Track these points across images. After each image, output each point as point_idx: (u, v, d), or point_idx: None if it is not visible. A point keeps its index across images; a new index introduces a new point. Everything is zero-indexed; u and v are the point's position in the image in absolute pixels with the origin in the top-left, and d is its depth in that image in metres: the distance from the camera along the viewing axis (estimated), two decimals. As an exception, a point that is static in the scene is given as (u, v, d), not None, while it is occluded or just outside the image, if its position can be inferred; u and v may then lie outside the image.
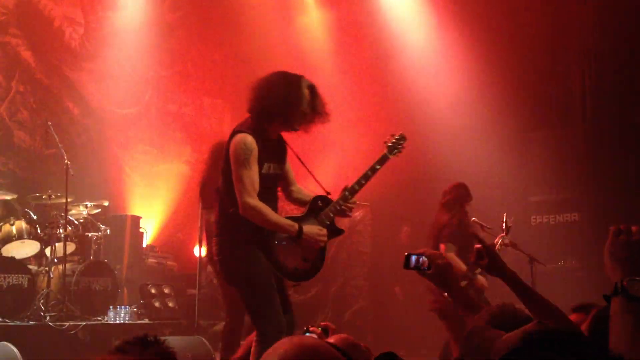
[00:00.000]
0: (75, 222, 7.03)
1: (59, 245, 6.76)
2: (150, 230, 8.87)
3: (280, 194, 3.96)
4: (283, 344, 1.41)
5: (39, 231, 6.76)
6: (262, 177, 3.64)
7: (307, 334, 2.67)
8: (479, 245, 2.44)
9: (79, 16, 9.12)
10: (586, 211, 8.15)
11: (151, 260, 8.21)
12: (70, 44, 8.89)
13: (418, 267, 2.43)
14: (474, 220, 6.34)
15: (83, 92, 8.91)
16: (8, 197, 7.02)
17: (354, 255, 8.72)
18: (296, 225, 3.67)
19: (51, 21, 8.78)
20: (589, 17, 8.37)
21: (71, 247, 6.93)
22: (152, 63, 9.65)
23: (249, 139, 3.61)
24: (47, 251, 6.78)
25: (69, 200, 6.78)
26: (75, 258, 7.05)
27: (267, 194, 3.69)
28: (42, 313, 6.25)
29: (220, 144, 4.87)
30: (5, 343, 5.36)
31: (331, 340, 2.20)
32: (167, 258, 8.56)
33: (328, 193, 3.92)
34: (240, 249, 3.66)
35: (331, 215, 3.83)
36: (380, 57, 10.06)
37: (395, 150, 4.05)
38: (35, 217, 6.82)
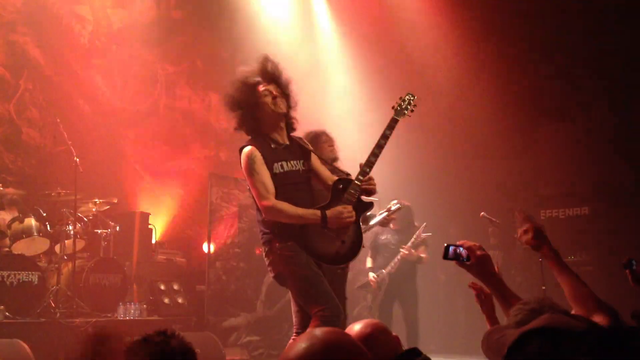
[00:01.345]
0: (85, 219, 7.06)
1: (68, 242, 6.79)
2: (159, 226, 8.89)
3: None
4: (305, 339, 1.37)
5: (48, 228, 6.79)
6: (278, 177, 3.85)
7: None
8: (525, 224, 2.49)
9: (88, 13, 9.13)
10: (596, 205, 8.11)
11: (160, 256, 8.23)
12: (79, 41, 8.91)
13: (457, 258, 2.48)
14: (482, 215, 6.31)
15: (92, 89, 8.93)
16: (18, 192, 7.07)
17: (363, 249, 8.70)
18: (318, 212, 3.79)
19: (60, 19, 8.79)
20: (595, 10, 8.32)
21: (81, 244, 6.97)
22: (160, 60, 9.66)
23: (249, 149, 3.86)
24: (57, 248, 6.81)
25: (78, 197, 6.81)
26: (85, 255, 7.08)
27: (292, 190, 3.86)
28: (52, 310, 6.28)
29: (312, 134, 5.00)
30: (17, 340, 5.39)
31: (361, 324, 2.19)
32: (176, 254, 8.58)
33: (348, 174, 4.03)
34: (278, 250, 3.82)
35: (353, 192, 3.89)
36: (389, 52, 10.04)
37: (405, 112, 4.09)
38: (44, 215, 6.84)
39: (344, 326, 3.70)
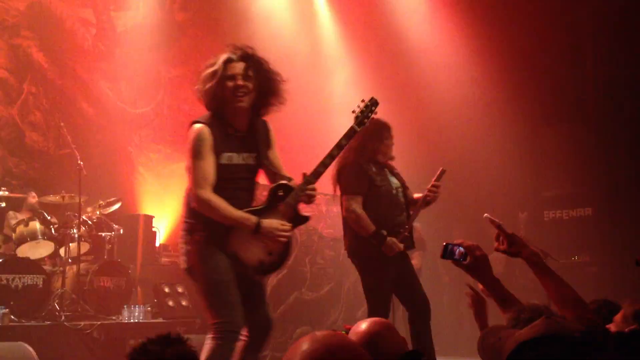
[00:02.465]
0: (89, 222, 7.08)
1: (73, 245, 6.81)
2: (162, 229, 8.90)
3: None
4: (306, 342, 1.35)
5: (53, 231, 6.81)
6: (222, 168, 3.51)
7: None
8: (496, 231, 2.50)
9: (91, 16, 9.16)
10: (599, 206, 8.10)
11: (164, 259, 8.24)
12: (83, 45, 8.94)
13: (453, 257, 2.45)
14: (485, 216, 6.32)
15: (96, 92, 8.95)
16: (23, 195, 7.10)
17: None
18: (253, 219, 3.46)
19: (63, 22, 8.82)
20: (602, 12, 8.31)
21: (85, 247, 6.99)
22: (164, 62, 9.68)
23: (203, 129, 3.50)
24: (62, 251, 6.83)
25: (82, 200, 6.83)
26: (89, 258, 7.10)
27: (233, 186, 3.55)
28: (57, 313, 6.29)
29: (379, 122, 4.63)
30: (22, 343, 5.40)
31: (368, 323, 2.19)
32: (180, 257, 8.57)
33: (290, 179, 3.64)
34: (198, 244, 3.52)
35: (293, 203, 3.57)
36: (391, 54, 10.04)
37: (366, 120, 3.79)
38: (49, 218, 6.87)
39: (264, 337, 3.61)
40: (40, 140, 8.33)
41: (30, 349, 5.31)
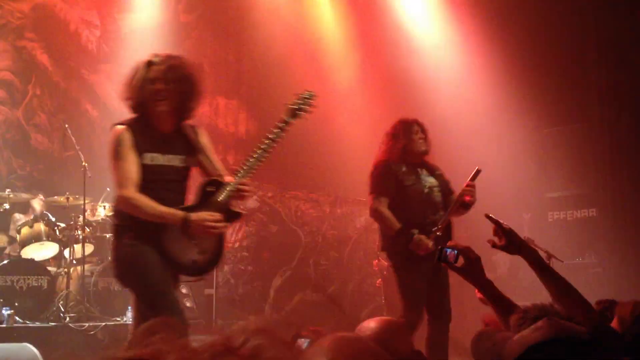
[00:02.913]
0: (93, 223, 7.09)
1: (77, 247, 6.83)
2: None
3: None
4: (324, 343, 1.27)
5: (57, 233, 6.82)
6: (147, 169, 3.46)
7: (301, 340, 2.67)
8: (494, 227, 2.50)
9: (95, 18, 9.18)
10: (603, 207, 8.08)
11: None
12: (87, 47, 8.95)
13: (446, 260, 2.46)
14: (486, 214, 6.30)
15: (101, 94, 8.97)
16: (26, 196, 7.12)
17: (371, 253, 8.71)
18: (180, 213, 3.37)
19: (67, 24, 8.85)
20: (606, 12, 8.29)
21: (89, 249, 7.00)
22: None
23: (121, 130, 3.48)
24: (66, 253, 6.85)
25: (86, 201, 6.85)
26: (94, 259, 7.11)
27: (161, 187, 3.47)
28: (61, 314, 6.31)
29: (404, 122, 4.76)
30: (26, 344, 5.41)
31: (377, 322, 2.19)
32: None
33: (219, 175, 3.57)
34: (126, 247, 3.45)
35: (224, 198, 3.45)
36: (396, 56, 10.04)
37: (300, 112, 3.65)
38: (53, 219, 6.89)
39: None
40: (45, 142, 8.35)
41: (35, 350, 5.30)
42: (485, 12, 9.11)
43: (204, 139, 3.72)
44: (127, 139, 3.45)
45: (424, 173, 4.74)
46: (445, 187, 4.79)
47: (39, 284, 6.29)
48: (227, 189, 3.46)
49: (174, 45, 9.77)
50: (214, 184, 3.51)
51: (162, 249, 3.42)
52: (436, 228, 4.53)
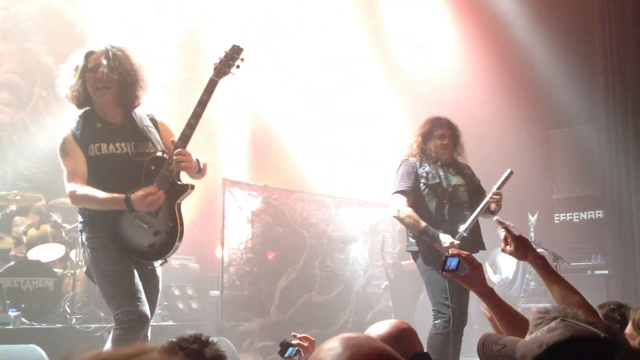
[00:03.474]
0: (99, 225, 7.09)
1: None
2: (172, 232, 8.91)
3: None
4: (337, 346, 1.22)
5: (63, 234, 6.83)
6: (94, 160, 3.46)
7: (294, 342, 2.68)
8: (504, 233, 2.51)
9: (100, 21, 9.19)
10: (610, 208, 8.05)
11: (174, 261, 8.26)
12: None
13: (450, 269, 2.49)
14: (497, 219, 6.29)
15: (105, 96, 8.99)
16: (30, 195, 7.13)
17: (376, 254, 8.71)
18: (122, 196, 3.35)
19: (72, 26, 8.86)
20: (611, 12, 8.27)
21: (95, 250, 7.00)
22: (174, 66, 9.71)
23: (65, 135, 3.53)
24: (72, 254, 6.86)
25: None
26: (100, 261, 7.11)
27: (110, 175, 3.45)
28: (68, 315, 6.31)
29: (432, 120, 4.71)
30: (33, 346, 5.42)
31: (387, 325, 2.18)
32: (190, 260, 8.60)
33: (164, 152, 3.53)
34: (87, 241, 3.48)
35: (166, 173, 3.42)
36: (406, 57, 10.05)
37: (225, 69, 3.52)
38: (59, 221, 6.90)
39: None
40: (51, 144, 8.36)
41: (42, 351, 5.33)
42: (490, 12, 9.10)
43: (164, 126, 3.73)
44: (70, 138, 3.49)
45: (450, 172, 4.69)
46: (473, 186, 4.74)
47: (46, 285, 6.30)
48: (167, 162, 3.44)
49: (180, 47, 9.81)
50: (155, 161, 3.49)
51: (118, 239, 3.43)
52: (464, 228, 4.46)
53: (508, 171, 4.56)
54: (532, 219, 7.81)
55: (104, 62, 3.48)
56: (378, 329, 2.20)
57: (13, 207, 6.88)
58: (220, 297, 7.39)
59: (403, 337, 2.16)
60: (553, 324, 1.58)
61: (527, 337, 1.67)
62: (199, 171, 3.66)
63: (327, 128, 10.23)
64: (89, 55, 3.53)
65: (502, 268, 8.23)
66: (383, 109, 10.07)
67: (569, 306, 2.15)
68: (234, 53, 3.53)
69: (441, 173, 4.64)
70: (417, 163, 4.66)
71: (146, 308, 3.43)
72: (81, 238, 3.56)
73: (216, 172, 9.56)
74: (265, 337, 7.56)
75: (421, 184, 4.60)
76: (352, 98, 10.29)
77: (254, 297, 7.55)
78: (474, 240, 4.60)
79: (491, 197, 4.50)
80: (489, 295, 2.42)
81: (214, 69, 3.52)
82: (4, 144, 8.21)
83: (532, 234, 7.40)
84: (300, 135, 10.09)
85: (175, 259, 8.39)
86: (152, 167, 3.46)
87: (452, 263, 2.48)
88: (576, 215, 8.34)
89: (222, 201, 7.61)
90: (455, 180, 4.67)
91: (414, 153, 4.72)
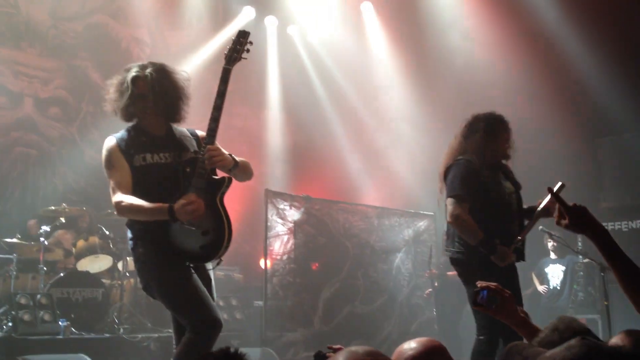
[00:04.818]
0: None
1: (130, 259, 6.95)
2: (217, 243, 8.99)
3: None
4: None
5: (111, 246, 6.97)
6: (139, 170, 3.47)
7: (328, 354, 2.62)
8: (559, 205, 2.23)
9: (146, 36, 9.40)
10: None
11: (218, 272, 8.33)
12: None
13: (482, 304, 2.41)
14: (541, 229, 6.19)
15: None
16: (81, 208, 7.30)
17: (420, 265, 8.64)
18: (166, 205, 3.33)
19: (119, 42, 9.08)
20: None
21: (142, 261, 7.11)
22: (216, 79, 9.81)
23: (108, 140, 3.57)
24: (120, 265, 6.99)
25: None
26: (146, 271, 7.23)
27: (155, 185, 3.44)
28: (115, 325, 6.43)
29: (499, 118, 4.30)
30: (82, 355, 5.54)
31: (418, 344, 2.16)
32: (234, 270, 8.68)
33: (196, 152, 3.53)
34: (142, 256, 3.48)
35: (201, 172, 3.43)
36: (438, 59, 9.99)
37: (236, 55, 3.59)
38: (107, 233, 7.04)
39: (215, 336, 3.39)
40: (99, 157, 8.54)
41: (90, 361, 5.44)
42: (534, 19, 8.99)
43: (201, 137, 3.69)
44: (112, 146, 3.52)
45: (502, 177, 4.31)
46: (519, 193, 4.37)
47: (94, 296, 6.43)
48: (200, 161, 3.44)
49: (222, 60, 9.94)
50: (189, 162, 3.50)
51: (172, 248, 3.42)
52: (518, 239, 4.15)
53: (560, 183, 4.05)
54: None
55: (151, 88, 3.55)
56: (409, 346, 2.16)
57: (62, 220, 7.05)
58: (263, 308, 7.43)
59: (434, 354, 2.12)
60: (573, 341, 1.53)
61: (548, 353, 1.63)
62: (235, 166, 3.63)
63: (369, 137, 10.22)
64: (134, 80, 3.58)
65: (549, 278, 8.09)
66: (424, 117, 10.03)
67: (632, 289, 2.00)
68: (241, 38, 3.62)
69: (498, 178, 4.27)
70: (479, 164, 4.19)
71: (218, 313, 3.44)
72: (135, 254, 3.53)
73: (259, 183, 9.65)
74: (309, 347, 7.56)
75: (482, 189, 4.16)
76: (393, 103, 10.25)
77: (297, 307, 7.57)
78: (522, 252, 4.33)
79: (552, 207, 4.06)
80: (523, 325, 2.35)
81: (225, 58, 3.60)
82: (54, 158, 8.43)
83: (579, 243, 7.24)
84: (342, 145, 10.12)
85: (219, 269, 8.46)
86: (187, 169, 3.47)
87: (483, 295, 2.40)
88: (625, 224, 8.15)
89: (264, 212, 7.67)
90: (508, 186, 4.30)
91: (476, 152, 4.23)
